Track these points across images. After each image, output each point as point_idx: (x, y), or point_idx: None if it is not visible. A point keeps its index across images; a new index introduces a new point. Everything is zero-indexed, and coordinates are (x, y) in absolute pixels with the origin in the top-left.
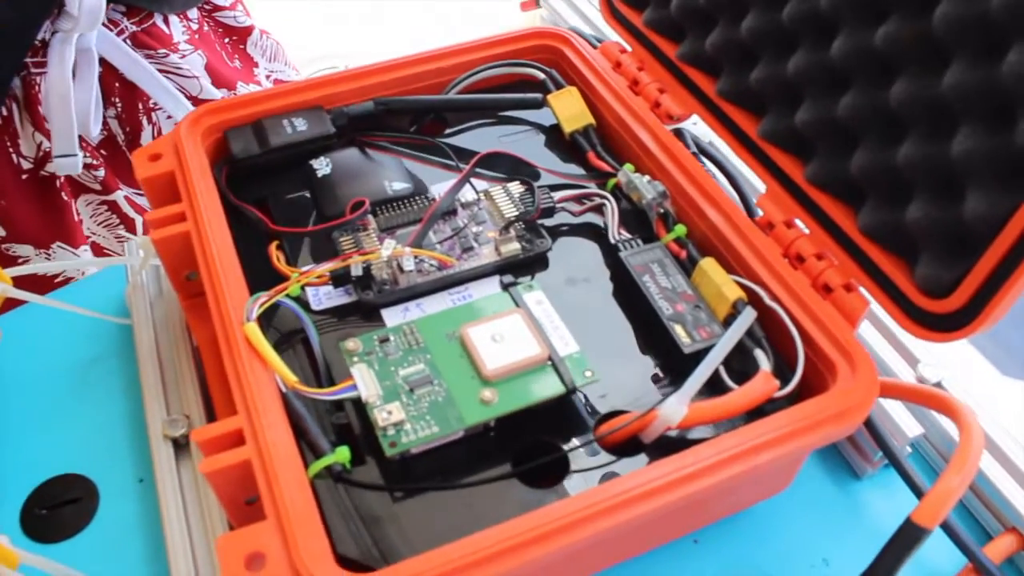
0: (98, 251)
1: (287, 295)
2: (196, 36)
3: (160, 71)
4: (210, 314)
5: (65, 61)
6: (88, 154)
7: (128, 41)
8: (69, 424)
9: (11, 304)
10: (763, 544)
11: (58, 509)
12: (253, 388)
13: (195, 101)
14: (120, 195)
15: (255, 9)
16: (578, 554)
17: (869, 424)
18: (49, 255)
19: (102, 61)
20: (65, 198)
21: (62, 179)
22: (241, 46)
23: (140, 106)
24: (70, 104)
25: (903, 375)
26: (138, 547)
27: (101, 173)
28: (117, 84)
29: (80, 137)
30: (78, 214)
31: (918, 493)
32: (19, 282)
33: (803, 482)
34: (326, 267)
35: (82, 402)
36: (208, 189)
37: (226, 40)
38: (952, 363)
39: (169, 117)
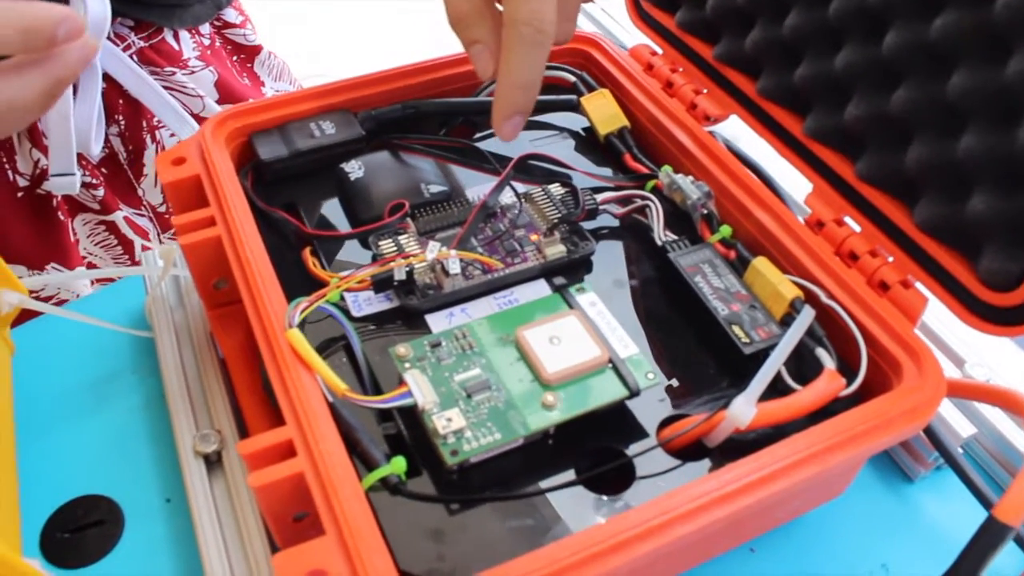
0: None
1: (327, 301)
2: (208, 52)
3: (165, 88)
4: (238, 324)
5: None
6: (88, 172)
7: (134, 57)
8: (88, 442)
9: (23, 317)
10: (821, 551)
11: (81, 532)
12: (302, 397)
13: (198, 119)
14: (120, 216)
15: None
16: (647, 566)
17: (926, 426)
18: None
19: (106, 77)
20: (62, 217)
21: (59, 198)
22: (249, 65)
23: (144, 124)
24: (70, 121)
25: (950, 375)
26: (167, 570)
27: (100, 192)
28: (121, 101)
29: (80, 155)
30: (74, 234)
31: (978, 494)
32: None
33: (856, 487)
34: (367, 271)
35: (101, 419)
36: (237, 193)
37: (234, 58)
38: (997, 362)
39: (172, 135)
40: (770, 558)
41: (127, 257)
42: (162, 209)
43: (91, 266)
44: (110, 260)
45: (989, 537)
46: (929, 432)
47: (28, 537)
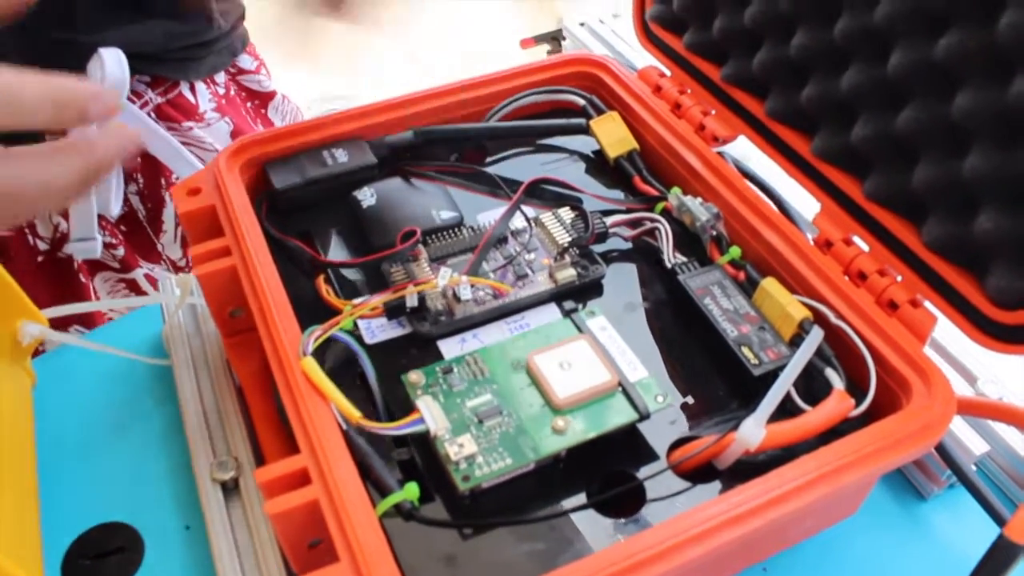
0: None
1: (341, 328)
2: (223, 101)
3: (182, 143)
4: (254, 352)
5: None
6: (107, 232)
7: (152, 114)
8: (108, 471)
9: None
10: (833, 571)
11: (102, 560)
12: (315, 425)
13: None
14: (140, 272)
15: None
16: None
17: (938, 444)
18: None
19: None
20: (83, 279)
21: (79, 260)
22: (263, 110)
23: (163, 181)
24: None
25: (963, 393)
26: None
27: (120, 252)
28: (139, 159)
29: (100, 216)
30: (95, 293)
31: (991, 512)
32: None
33: (869, 505)
34: (379, 299)
35: (120, 447)
36: (251, 223)
37: (249, 104)
38: (1010, 379)
39: None
40: None
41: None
42: (182, 264)
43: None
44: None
45: (1000, 556)
46: (941, 450)
47: (50, 564)
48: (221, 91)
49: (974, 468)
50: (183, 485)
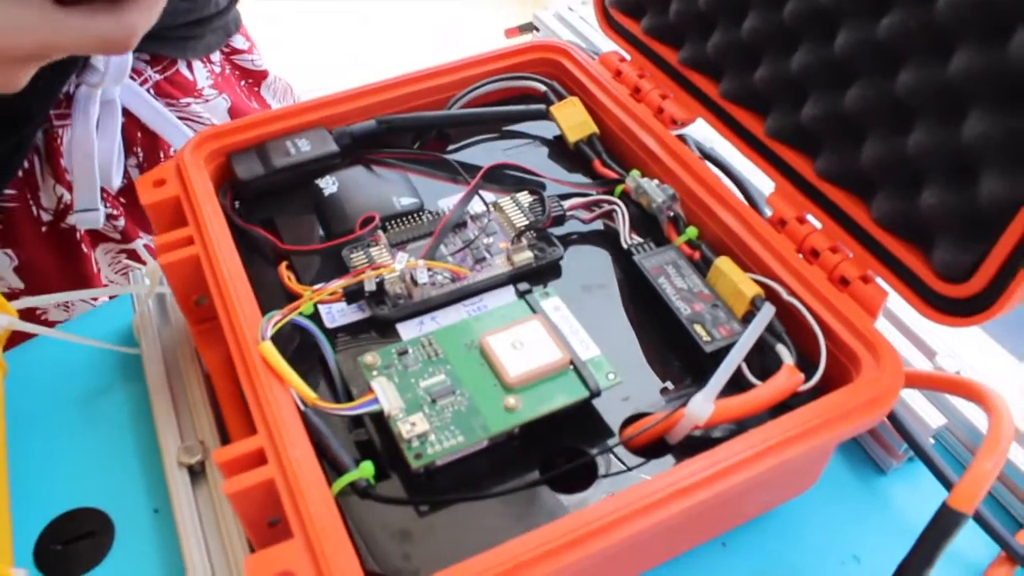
0: None
1: (300, 313)
2: (219, 79)
3: (180, 119)
4: (220, 338)
5: (90, 116)
6: (108, 204)
7: (151, 91)
8: (79, 458)
9: (15, 340)
10: (792, 544)
11: (73, 544)
12: (272, 407)
13: None
14: (140, 243)
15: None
16: (611, 560)
17: (893, 417)
18: (68, 306)
19: (124, 111)
20: (85, 249)
21: (82, 231)
22: (256, 89)
23: (161, 155)
24: (94, 159)
25: (921, 368)
26: None
27: (121, 223)
28: (139, 133)
29: (102, 188)
30: (96, 264)
31: (946, 483)
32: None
33: (828, 479)
34: (339, 283)
35: (91, 435)
36: (214, 212)
37: (243, 83)
38: (968, 354)
39: None
40: (742, 551)
41: (134, 261)
42: None
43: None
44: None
45: (942, 525)
46: (897, 423)
47: (22, 550)
48: (217, 69)
49: (932, 441)
50: (152, 469)
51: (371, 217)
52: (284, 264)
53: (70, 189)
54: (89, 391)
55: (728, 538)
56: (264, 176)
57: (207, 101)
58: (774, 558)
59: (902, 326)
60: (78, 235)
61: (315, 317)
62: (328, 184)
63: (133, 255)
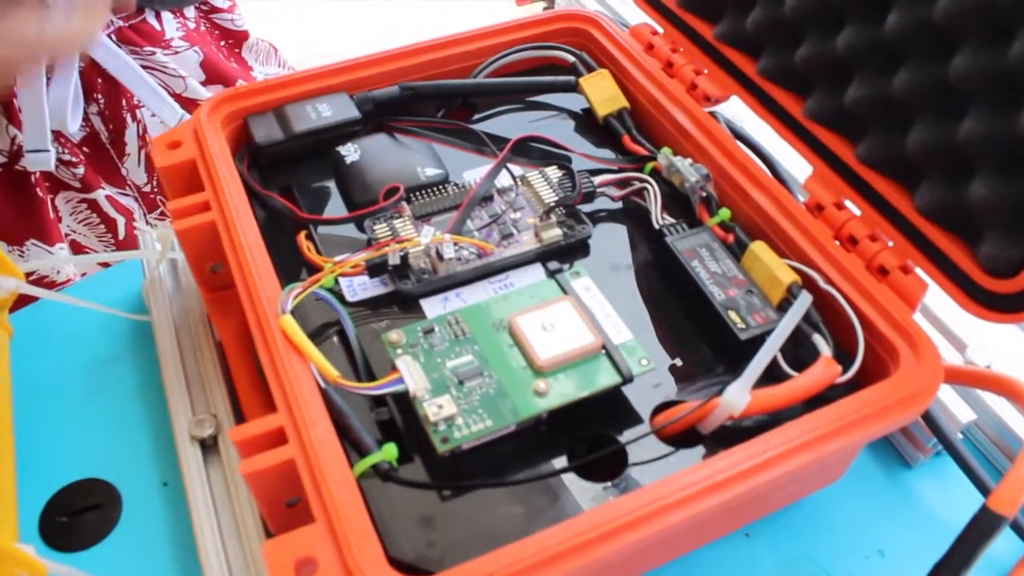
0: (78, 249)
1: (321, 286)
2: (194, 34)
3: (144, 68)
4: (235, 308)
5: None
6: (68, 151)
7: (112, 37)
8: (86, 427)
9: (21, 302)
10: (816, 536)
11: (79, 516)
12: (293, 384)
13: (180, 100)
14: (101, 194)
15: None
16: (639, 553)
17: (925, 413)
18: (23, 252)
19: (83, 55)
20: (41, 195)
21: (37, 175)
22: (237, 50)
23: (124, 103)
24: (42, 98)
25: (951, 360)
26: (165, 554)
27: (81, 171)
28: (100, 80)
29: (59, 133)
30: (55, 211)
31: (976, 480)
32: None
33: (854, 473)
34: (361, 256)
35: (99, 403)
36: (232, 177)
37: (222, 43)
38: (998, 346)
39: (154, 115)
40: (765, 543)
41: (111, 236)
42: (147, 189)
43: (76, 245)
44: (93, 238)
45: (982, 527)
46: (928, 418)
47: (27, 521)
48: (192, 25)
49: (960, 437)
50: (162, 442)
51: (395, 188)
52: (303, 234)
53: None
54: (97, 358)
55: (751, 529)
56: (283, 141)
57: (176, 52)
58: (797, 550)
59: (932, 316)
60: (34, 179)
61: (335, 291)
62: (350, 152)
63: (94, 206)
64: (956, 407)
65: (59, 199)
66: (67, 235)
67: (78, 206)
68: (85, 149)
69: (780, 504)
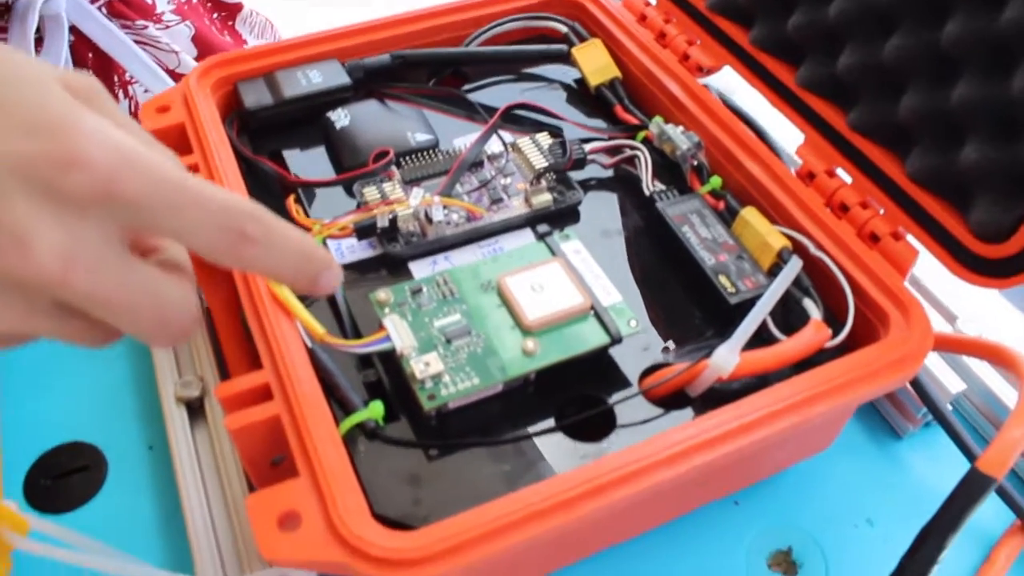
0: None
1: None
2: (185, 7)
3: (136, 42)
4: (223, 273)
5: (28, 28)
6: None
7: (103, 10)
8: (73, 390)
9: None
10: (805, 505)
11: (64, 479)
12: (280, 341)
13: (173, 75)
14: None
15: None
16: (624, 513)
17: (914, 381)
18: None
19: (73, 29)
20: None
21: None
22: (230, 22)
23: (116, 79)
24: None
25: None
26: (150, 516)
27: None
28: (90, 55)
29: None
30: None
31: (965, 450)
32: None
33: (843, 442)
34: (350, 218)
35: (86, 367)
36: (221, 141)
37: (215, 15)
38: (987, 318)
39: (147, 91)
40: (754, 510)
41: None
42: None
43: None
44: None
45: (971, 489)
46: (918, 387)
47: (11, 483)
48: None
49: (950, 407)
50: (149, 406)
51: (385, 152)
52: (292, 197)
53: None
54: None
55: (741, 496)
56: (272, 106)
57: (167, 27)
58: (786, 518)
59: (922, 289)
60: None
61: None
62: (340, 117)
63: None
64: (946, 377)
65: None
66: None
67: None
68: None
69: (769, 471)
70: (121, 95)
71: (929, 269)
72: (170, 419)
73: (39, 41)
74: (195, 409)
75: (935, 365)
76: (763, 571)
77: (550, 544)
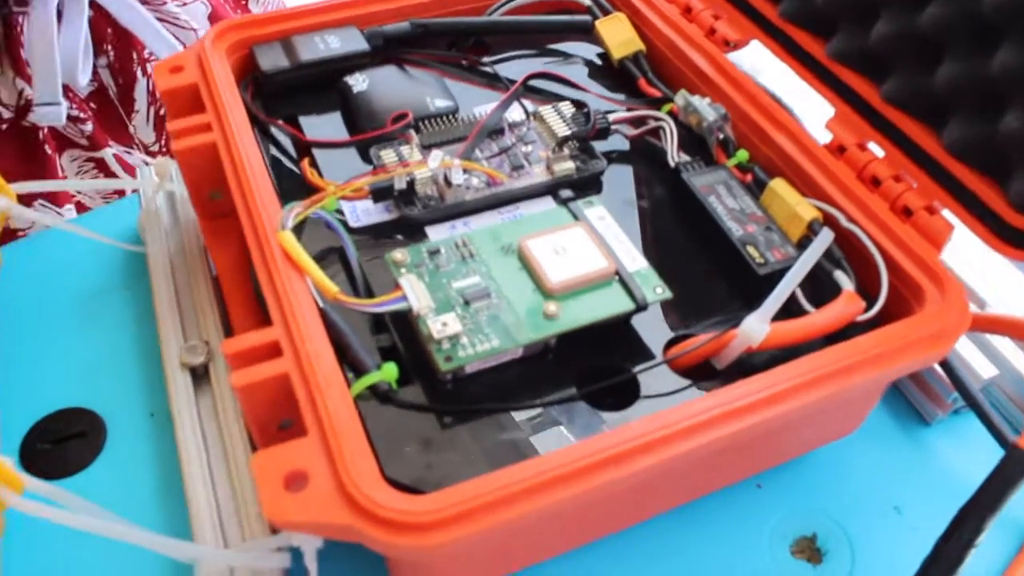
0: (82, 211)
1: (323, 208)
2: None
3: (156, 19)
4: (232, 237)
5: (48, 3)
6: (75, 106)
7: None
8: (73, 356)
9: (14, 235)
10: (830, 490)
11: (62, 444)
12: (290, 298)
13: None
14: (109, 152)
15: None
16: (647, 486)
17: (946, 365)
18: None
19: (93, 4)
20: (49, 152)
21: (45, 131)
22: (244, 1)
23: (135, 56)
24: (54, 48)
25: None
26: (149, 483)
27: (89, 127)
28: (110, 30)
29: (67, 87)
30: (62, 170)
31: (998, 436)
32: None
33: (869, 427)
34: (366, 179)
35: (89, 334)
36: (235, 102)
37: None
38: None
39: None
40: (777, 494)
41: (117, 196)
42: (155, 148)
43: (79, 205)
44: (99, 199)
45: (1012, 468)
46: (949, 370)
47: (8, 448)
48: None
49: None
50: (151, 374)
51: (403, 114)
52: (307, 159)
53: (31, 83)
54: (89, 289)
55: (763, 478)
56: (289, 70)
57: (184, 3)
58: (811, 504)
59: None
60: (41, 135)
61: (338, 216)
62: (358, 81)
63: (102, 165)
64: (978, 363)
65: (65, 157)
66: (73, 196)
67: (84, 164)
68: (92, 104)
69: (794, 452)
70: (139, 73)
71: (958, 253)
72: (173, 385)
73: (59, 16)
74: (200, 376)
75: (967, 350)
76: (786, 558)
77: (567, 518)
